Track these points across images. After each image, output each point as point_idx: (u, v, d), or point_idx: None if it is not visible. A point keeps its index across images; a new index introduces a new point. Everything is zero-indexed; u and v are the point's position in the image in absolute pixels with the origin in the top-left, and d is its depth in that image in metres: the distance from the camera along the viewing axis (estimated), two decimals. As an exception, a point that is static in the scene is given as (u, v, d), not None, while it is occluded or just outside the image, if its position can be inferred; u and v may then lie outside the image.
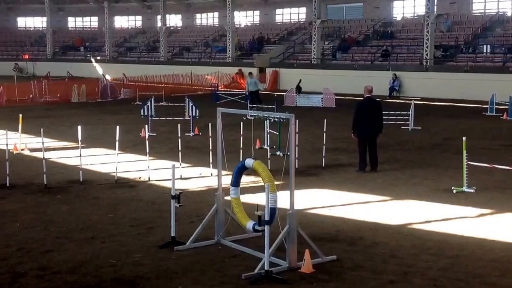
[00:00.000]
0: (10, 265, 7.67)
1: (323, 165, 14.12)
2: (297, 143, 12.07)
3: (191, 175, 13.28)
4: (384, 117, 14.21)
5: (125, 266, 7.64)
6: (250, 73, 30.01)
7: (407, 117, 21.10)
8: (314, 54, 41.07)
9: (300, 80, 31.81)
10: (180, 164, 13.32)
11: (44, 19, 59.21)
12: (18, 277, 7.28)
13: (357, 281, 7.14)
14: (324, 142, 14.53)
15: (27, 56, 55.42)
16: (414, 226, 9.43)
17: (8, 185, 12.00)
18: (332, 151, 15.81)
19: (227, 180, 9.12)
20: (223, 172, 8.88)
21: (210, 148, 13.26)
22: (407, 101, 26.12)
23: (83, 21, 65.42)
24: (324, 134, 14.76)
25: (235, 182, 8.46)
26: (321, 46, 41.95)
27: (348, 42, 42.63)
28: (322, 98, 29.33)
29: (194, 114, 19.89)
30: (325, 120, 15.12)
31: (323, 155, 14.32)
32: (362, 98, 14.00)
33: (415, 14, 43.24)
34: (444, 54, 37.01)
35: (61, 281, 7.15)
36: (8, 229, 9.24)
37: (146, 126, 14.83)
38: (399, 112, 21.26)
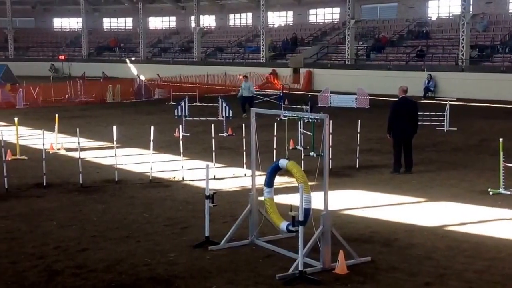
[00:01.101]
0: (47, 263, 7.80)
1: (357, 166, 14.01)
2: (331, 144, 12.01)
3: (225, 175, 13.32)
4: (419, 118, 14.03)
5: (160, 265, 7.70)
6: (246, 76, 26.59)
7: (442, 118, 20.80)
8: (348, 54, 40.82)
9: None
10: (214, 164, 13.38)
11: (80, 20, 60.20)
12: (55, 275, 7.40)
13: (392, 283, 7.06)
14: (358, 143, 14.42)
15: (63, 57, 56.38)
16: (449, 228, 9.29)
17: (44, 184, 12.21)
18: (366, 152, 15.68)
19: (260, 180, 9.13)
20: (257, 173, 8.87)
21: (244, 148, 13.28)
22: (442, 102, 25.75)
23: (118, 22, 66.28)
24: (358, 134, 14.66)
25: (269, 183, 8.45)
26: (355, 47, 41.67)
27: (382, 42, 42.23)
28: (356, 99, 29.13)
29: (227, 115, 19.96)
30: (359, 120, 15.00)
31: (357, 156, 14.21)
32: (397, 99, 13.85)
33: (451, 14, 42.57)
34: (480, 54, 36.36)
35: (97, 280, 7.25)
36: (45, 228, 9.40)
37: (180, 126, 14.95)
38: (434, 113, 20.96)
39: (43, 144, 13.03)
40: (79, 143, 13.13)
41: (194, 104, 25.99)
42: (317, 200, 8.03)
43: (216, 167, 13.45)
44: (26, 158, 15.24)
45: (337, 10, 49.65)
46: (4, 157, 12.57)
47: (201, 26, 52.34)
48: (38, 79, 39.08)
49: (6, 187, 11.83)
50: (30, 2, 62.30)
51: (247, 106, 23.36)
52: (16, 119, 15.62)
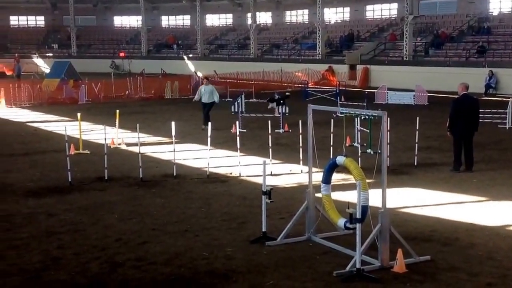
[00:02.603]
0: (109, 255, 8.04)
1: (415, 164, 13.77)
2: (388, 141, 11.84)
3: (281, 171, 13.35)
4: (479, 115, 13.66)
5: (218, 260, 7.80)
6: (206, 79, 21.65)
7: (504, 115, 20.19)
8: (406, 50, 40.09)
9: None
10: (270, 160, 13.42)
11: (139, 18, 61.47)
12: (117, 266, 7.61)
13: (453, 283, 6.92)
14: (416, 140, 14.17)
15: (123, 54, 57.70)
16: (513, 229, 9.02)
17: (106, 178, 12.56)
18: (424, 150, 15.39)
19: (317, 177, 9.10)
20: (313, 169, 8.86)
21: (300, 145, 13.26)
22: (504, 99, 24.98)
23: (176, 20, 67.25)
24: (417, 132, 14.39)
25: (326, 179, 8.43)
26: (413, 43, 40.89)
27: (442, 38, 41.24)
28: (414, 96, 28.61)
29: (283, 111, 19.99)
30: (417, 118, 14.72)
31: (416, 153, 13.96)
32: (457, 96, 13.52)
33: (514, 8, 41.19)
34: (545, 49, 35.03)
35: (156, 272, 7.41)
36: (106, 221, 9.68)
37: (237, 122, 15.05)
38: (495, 110, 20.35)
39: (105, 139, 13.41)
40: (139, 138, 13.44)
41: (251, 100, 26.12)
42: (374, 198, 7.95)
43: (272, 163, 13.49)
44: (88, 152, 15.72)
45: (394, 5, 48.81)
46: (67, 151, 12.99)
47: (258, 23, 52.49)
48: (99, 75, 40.17)
49: (69, 180, 12.24)
50: (92, 1, 64.04)
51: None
52: (79, 114, 16.11)
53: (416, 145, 14.09)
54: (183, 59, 54.93)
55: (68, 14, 61.40)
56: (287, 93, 23.67)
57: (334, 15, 54.39)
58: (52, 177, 12.98)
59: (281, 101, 20.91)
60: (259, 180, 11.75)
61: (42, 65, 57.02)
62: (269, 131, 13.79)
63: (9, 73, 49.26)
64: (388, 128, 11.72)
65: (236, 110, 20.40)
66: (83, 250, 8.20)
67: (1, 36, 62.13)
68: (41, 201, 10.95)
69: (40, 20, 67.37)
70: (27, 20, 67.05)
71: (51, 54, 60.08)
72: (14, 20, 66.35)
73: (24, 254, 8.10)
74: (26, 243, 8.55)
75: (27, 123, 22.66)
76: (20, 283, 7.13)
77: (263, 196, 8.54)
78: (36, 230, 9.16)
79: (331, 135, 13.98)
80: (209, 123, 14.56)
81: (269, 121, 14.24)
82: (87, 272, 7.44)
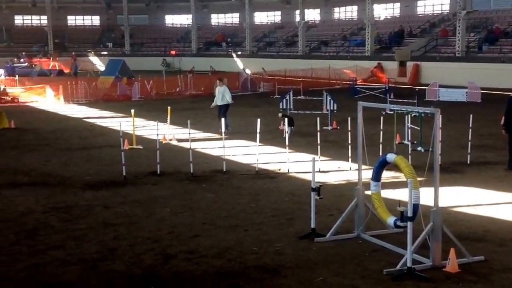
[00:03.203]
0: (162, 247, 8.25)
1: (468, 162, 13.54)
2: (440, 139, 11.68)
3: (330, 168, 13.35)
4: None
5: (267, 255, 7.89)
6: (219, 80, 20.10)
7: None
8: (459, 46, 39.25)
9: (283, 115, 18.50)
10: (319, 157, 13.43)
11: (190, 16, 62.32)
12: (169, 258, 7.81)
13: (507, 284, 6.81)
14: (469, 138, 13.91)
15: (173, 52, 58.64)
16: None
17: (158, 172, 12.85)
18: (478, 148, 15.08)
19: (366, 174, 9.08)
20: (363, 167, 8.84)
21: (349, 142, 13.23)
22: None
23: (225, 18, 67.76)
24: (470, 130, 14.12)
25: (376, 177, 8.40)
26: (466, 38, 39.99)
27: (496, 33, 40.16)
28: (466, 93, 28.01)
29: (331, 108, 19.93)
30: (470, 115, 14.45)
31: (468, 151, 13.71)
32: (512, 93, 13.21)
33: None
34: None
35: (207, 265, 7.56)
36: (159, 214, 9.91)
37: (286, 119, 15.09)
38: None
39: (157, 134, 13.71)
40: (189, 134, 13.69)
41: (299, 97, 26.10)
42: (425, 196, 7.89)
43: (321, 160, 13.50)
44: (141, 147, 16.10)
45: (446, 1, 47.82)
46: (122, 146, 13.35)
47: (306, 20, 52.34)
48: (151, 73, 40.88)
49: (124, 174, 12.58)
50: (144, 0, 65.25)
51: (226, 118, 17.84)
52: (132, 111, 16.50)
53: (469, 143, 13.84)
54: (232, 56, 55.33)
55: (122, 14, 62.93)
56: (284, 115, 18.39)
57: (383, 11, 53.69)
58: (107, 171, 13.38)
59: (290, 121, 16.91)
60: (307, 176, 11.83)
61: (98, 63, 58.49)
62: (318, 128, 13.79)
63: (66, 71, 50.82)
64: (440, 126, 11.57)
65: (284, 107, 20.47)
66: (138, 242, 8.44)
67: (59, 36, 64.04)
68: (98, 194, 11.33)
69: (96, 20, 69.09)
70: (83, 19, 68.88)
71: (105, 53, 61.55)
72: (71, 20, 68.29)
73: (82, 244, 8.42)
74: (84, 234, 8.88)
75: (84, 119, 23.38)
76: (80, 272, 7.41)
77: (312, 193, 8.58)
78: (93, 222, 9.49)
79: (381, 132, 13.88)
80: (228, 127, 14.42)
81: (318, 118, 14.25)
82: (142, 263, 7.66)
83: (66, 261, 7.76)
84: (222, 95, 19.09)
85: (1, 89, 30.75)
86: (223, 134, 13.96)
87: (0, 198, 11.11)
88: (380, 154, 12.28)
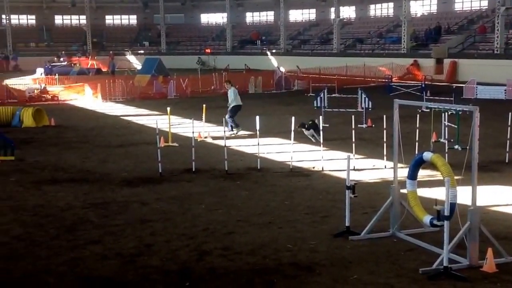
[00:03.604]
0: (197, 243, 8.34)
1: (506, 161, 13.32)
2: (478, 137, 11.50)
3: (364, 166, 13.28)
4: None
5: (301, 252, 7.92)
6: (228, 82, 20.02)
7: None
8: (497, 43, 38.50)
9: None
10: (354, 155, 13.38)
11: (225, 15, 62.67)
12: (204, 254, 7.90)
13: (545, 285, 6.70)
14: (508, 137, 13.65)
15: (208, 50, 59.03)
16: None
17: (193, 169, 12.98)
18: (516, 147, 14.79)
19: (402, 173, 9.01)
20: (398, 165, 8.78)
21: (384, 140, 13.13)
22: None
23: (259, 16, 67.85)
24: (508, 128, 13.86)
25: (412, 175, 8.34)
26: (504, 35, 39.19)
27: (537, 29, 39.33)
28: (505, 90, 27.47)
29: (366, 106, 19.79)
30: (509, 113, 14.17)
31: (507, 150, 13.48)
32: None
33: None
34: None
35: (242, 262, 7.62)
36: (194, 210, 10.03)
37: (320, 117, 15.07)
38: None
39: (193, 132, 13.85)
40: (224, 132, 13.80)
41: (333, 95, 25.99)
42: (462, 195, 7.79)
43: (355, 158, 13.44)
44: (177, 145, 16.28)
45: (486, -4, 46.98)
46: (158, 143, 13.54)
47: (341, 17, 52.04)
48: (186, 71, 41.29)
49: (160, 171, 12.75)
50: (180, -1, 66.02)
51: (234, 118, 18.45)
52: (168, 109, 16.69)
53: (508, 141, 13.59)
54: (267, 54, 55.40)
55: (158, 13, 63.75)
56: (311, 121, 17.42)
57: (420, 7, 52.99)
58: (144, 167, 13.58)
59: (315, 127, 16.65)
60: (341, 174, 11.79)
61: (134, 61, 59.35)
62: (352, 126, 13.73)
63: (104, 69, 51.70)
64: (478, 124, 11.39)
65: (319, 104, 20.44)
66: (173, 238, 8.56)
67: (98, 35, 65.23)
68: (135, 190, 11.51)
69: (133, 19, 70.12)
70: (120, 19, 69.98)
71: (142, 51, 62.48)
72: (109, 19, 69.44)
73: (120, 239, 8.58)
74: (122, 229, 9.04)
75: (121, 117, 23.76)
76: (117, 267, 7.57)
77: (346, 191, 8.57)
78: (130, 218, 9.66)
79: (417, 130, 13.74)
80: (233, 129, 15.77)
81: (352, 116, 14.18)
82: (177, 259, 7.77)
83: (104, 255, 7.94)
84: (235, 95, 18.77)
85: (42, 88, 31.45)
86: (225, 134, 14.03)
87: (41, 194, 11.39)
88: (416, 152, 12.16)
